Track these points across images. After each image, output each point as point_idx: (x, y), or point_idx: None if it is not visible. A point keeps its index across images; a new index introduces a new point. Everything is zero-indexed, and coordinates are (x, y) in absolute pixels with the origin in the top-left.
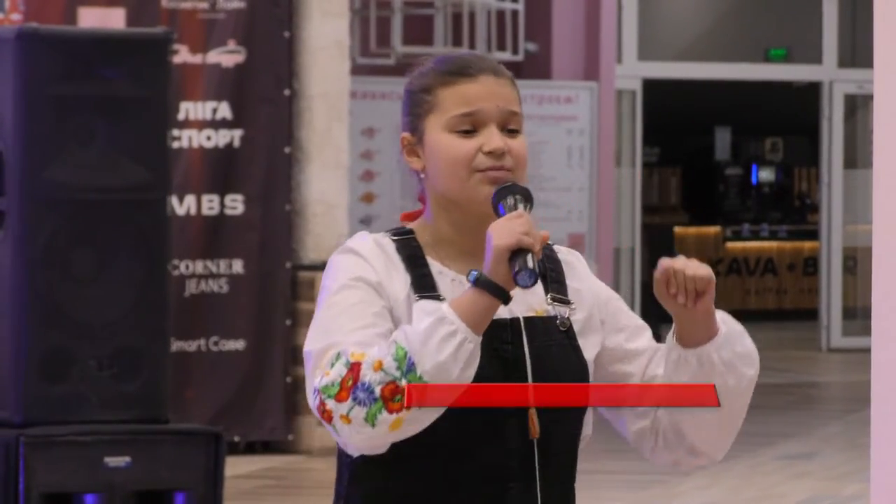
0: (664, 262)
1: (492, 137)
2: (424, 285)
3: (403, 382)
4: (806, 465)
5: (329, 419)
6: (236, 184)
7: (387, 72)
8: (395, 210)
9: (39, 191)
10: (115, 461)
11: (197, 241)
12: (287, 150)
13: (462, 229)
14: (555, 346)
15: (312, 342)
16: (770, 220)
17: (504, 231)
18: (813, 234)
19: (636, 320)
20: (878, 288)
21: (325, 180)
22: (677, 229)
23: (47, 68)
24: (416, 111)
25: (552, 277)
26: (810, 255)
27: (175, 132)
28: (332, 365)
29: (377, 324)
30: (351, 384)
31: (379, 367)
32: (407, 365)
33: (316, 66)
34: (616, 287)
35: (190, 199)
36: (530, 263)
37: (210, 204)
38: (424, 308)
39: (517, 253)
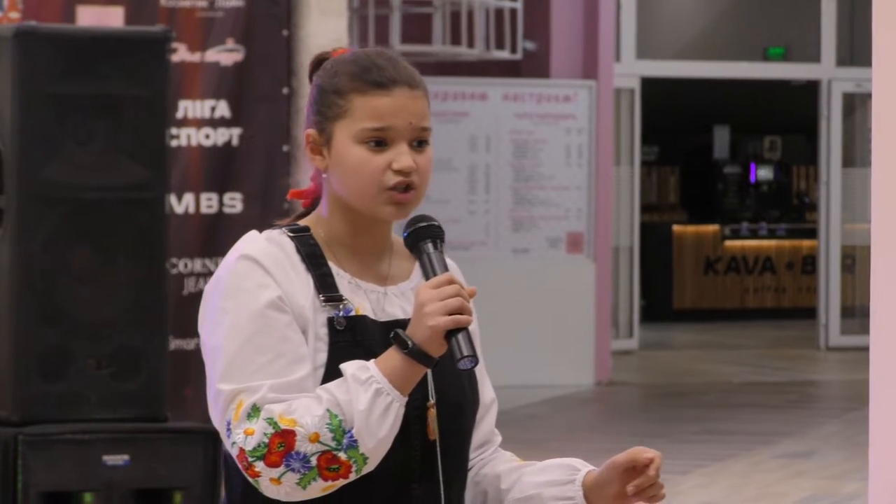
0: (650, 456)
1: (401, 156)
2: (326, 285)
3: (342, 456)
4: (804, 464)
5: (255, 476)
6: (235, 182)
7: None
8: None
9: (38, 189)
10: (114, 460)
11: (195, 240)
12: (286, 148)
13: (358, 230)
14: None
15: (222, 380)
16: (768, 218)
17: (439, 308)
18: (811, 233)
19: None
20: (876, 286)
21: None
22: (676, 228)
23: (46, 67)
24: (325, 111)
25: None
26: (809, 253)
27: (173, 131)
28: (250, 417)
29: (285, 352)
30: (283, 450)
31: (315, 439)
32: (347, 441)
33: None
34: (614, 286)
35: (188, 198)
36: (473, 348)
37: (209, 202)
38: (356, 376)
39: (453, 331)
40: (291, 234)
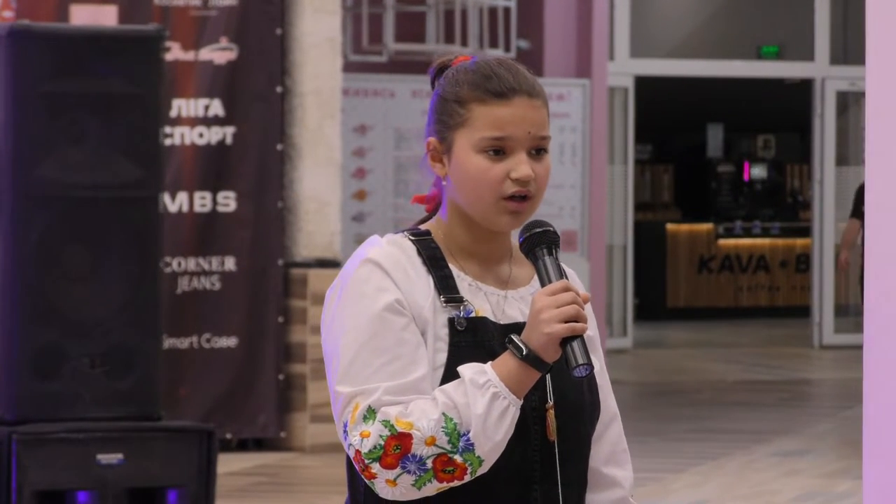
0: None
1: (520, 165)
2: (447, 286)
3: (458, 458)
4: (798, 463)
5: (371, 478)
6: (228, 181)
7: (379, 69)
8: (388, 207)
9: (31, 188)
10: (108, 458)
11: (189, 239)
12: (279, 147)
13: (477, 237)
14: None
15: (340, 382)
16: (762, 217)
17: (555, 316)
18: (805, 231)
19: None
20: (869, 284)
21: (317, 177)
22: (669, 226)
23: (39, 65)
24: (446, 120)
25: None
26: (802, 252)
27: (167, 129)
28: (365, 420)
29: (402, 354)
30: (399, 453)
31: (431, 442)
32: (464, 444)
33: (308, 63)
34: (608, 284)
35: (182, 197)
36: (588, 356)
37: (202, 201)
38: (474, 380)
39: (568, 339)
40: (413, 238)
